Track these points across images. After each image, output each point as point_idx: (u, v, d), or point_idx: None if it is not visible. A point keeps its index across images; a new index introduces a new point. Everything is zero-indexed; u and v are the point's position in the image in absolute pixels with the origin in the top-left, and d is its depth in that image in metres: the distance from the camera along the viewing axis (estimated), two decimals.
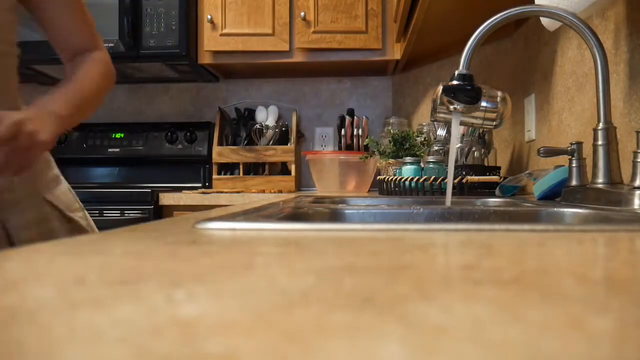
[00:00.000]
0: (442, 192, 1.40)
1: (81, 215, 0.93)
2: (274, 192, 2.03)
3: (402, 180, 1.47)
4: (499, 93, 0.96)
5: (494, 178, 1.42)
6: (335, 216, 0.77)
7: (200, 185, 2.36)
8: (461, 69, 0.90)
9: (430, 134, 1.86)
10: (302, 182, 2.41)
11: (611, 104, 0.85)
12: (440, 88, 0.90)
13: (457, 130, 0.97)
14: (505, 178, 1.37)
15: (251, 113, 2.35)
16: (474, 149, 1.60)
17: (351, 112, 2.27)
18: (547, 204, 0.84)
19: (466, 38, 0.91)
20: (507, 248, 0.33)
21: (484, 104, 0.94)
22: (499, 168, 1.57)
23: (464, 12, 1.56)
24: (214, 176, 2.21)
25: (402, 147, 1.74)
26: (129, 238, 0.39)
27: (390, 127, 2.17)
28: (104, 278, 0.24)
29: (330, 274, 0.24)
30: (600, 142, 0.84)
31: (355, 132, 2.24)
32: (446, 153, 1.65)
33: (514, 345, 0.14)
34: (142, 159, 2.34)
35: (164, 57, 2.07)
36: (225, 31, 2.11)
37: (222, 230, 0.43)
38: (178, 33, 2.04)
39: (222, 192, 1.94)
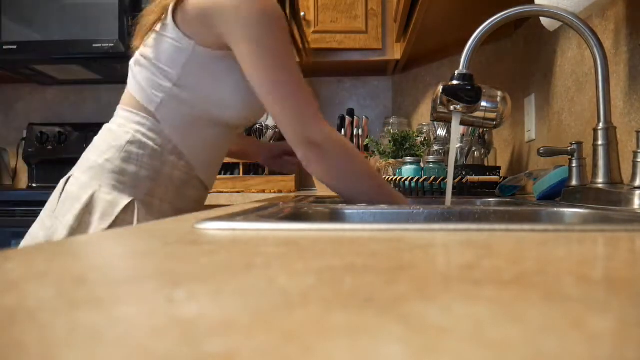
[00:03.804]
0: (442, 192, 1.40)
1: None
2: (274, 192, 2.03)
3: (402, 180, 1.47)
4: (499, 93, 0.96)
5: (494, 178, 1.42)
6: (335, 216, 0.77)
7: None
8: (461, 68, 0.90)
9: (430, 134, 1.86)
10: (302, 182, 2.41)
11: (611, 104, 0.85)
12: (440, 88, 0.90)
13: (457, 130, 0.97)
14: (505, 178, 1.37)
15: None
16: (474, 149, 1.60)
17: (351, 112, 2.27)
18: (547, 204, 0.84)
19: (466, 38, 0.91)
20: (507, 248, 0.33)
21: (484, 103, 0.94)
22: (499, 168, 1.57)
23: (464, 12, 1.56)
24: None
25: (402, 147, 1.74)
26: (129, 238, 0.39)
27: (390, 127, 2.17)
28: (104, 278, 0.24)
29: (330, 274, 0.24)
30: (600, 142, 0.84)
31: (355, 132, 2.24)
32: (446, 153, 1.65)
33: (514, 345, 0.14)
34: None
35: None
36: None
37: (222, 231, 0.43)
38: None
39: (222, 192, 1.94)
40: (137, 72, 0.95)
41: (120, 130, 0.93)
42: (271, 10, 0.87)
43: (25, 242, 0.94)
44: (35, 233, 0.92)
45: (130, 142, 0.91)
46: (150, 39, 0.94)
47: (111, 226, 0.87)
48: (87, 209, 0.88)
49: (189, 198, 0.99)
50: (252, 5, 0.85)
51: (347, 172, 0.92)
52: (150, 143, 0.92)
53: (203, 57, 0.90)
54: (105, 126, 0.98)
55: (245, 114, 0.97)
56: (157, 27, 0.93)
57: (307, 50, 1.12)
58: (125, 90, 0.98)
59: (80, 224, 0.87)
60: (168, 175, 0.94)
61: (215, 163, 1.04)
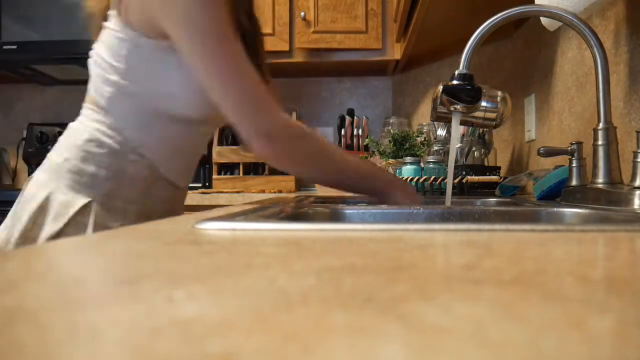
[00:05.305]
0: (442, 192, 1.40)
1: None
2: (274, 192, 2.03)
3: (402, 180, 1.47)
4: (499, 93, 0.96)
5: (494, 178, 1.42)
6: (335, 216, 0.77)
7: (200, 185, 2.36)
8: (461, 68, 0.90)
9: (430, 134, 1.86)
10: (302, 182, 2.41)
11: (611, 104, 0.85)
12: (441, 88, 0.90)
13: (457, 130, 0.97)
14: (505, 178, 1.37)
15: None
16: (474, 149, 1.60)
17: (351, 112, 2.27)
18: (547, 204, 0.84)
19: (466, 38, 0.91)
20: (507, 248, 0.33)
21: (484, 103, 0.94)
22: (499, 168, 1.57)
23: (464, 12, 1.56)
24: (214, 176, 2.21)
25: (402, 147, 1.74)
26: (129, 238, 0.39)
27: (390, 127, 2.17)
28: (104, 278, 0.24)
29: (330, 274, 0.24)
30: (600, 142, 0.84)
31: (355, 132, 2.24)
32: (446, 153, 1.65)
33: (514, 345, 0.14)
34: None
35: None
36: None
37: (222, 230, 0.43)
38: None
39: (222, 192, 1.94)
40: (91, 69, 0.91)
41: (81, 127, 0.90)
42: None
43: None
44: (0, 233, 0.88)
45: (88, 140, 0.87)
46: (102, 33, 0.90)
47: (65, 228, 0.83)
48: (42, 210, 0.84)
49: (159, 199, 0.94)
50: None
51: (309, 160, 0.88)
52: (109, 141, 0.88)
53: (147, 48, 0.85)
54: (69, 124, 0.94)
55: (197, 108, 0.90)
56: (106, 20, 0.89)
57: (261, 56, 1.04)
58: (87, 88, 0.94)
59: (34, 225, 0.84)
60: (131, 175, 0.89)
61: (183, 162, 0.98)
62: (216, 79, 0.80)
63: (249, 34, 0.99)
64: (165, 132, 0.91)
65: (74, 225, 0.83)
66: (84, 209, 0.84)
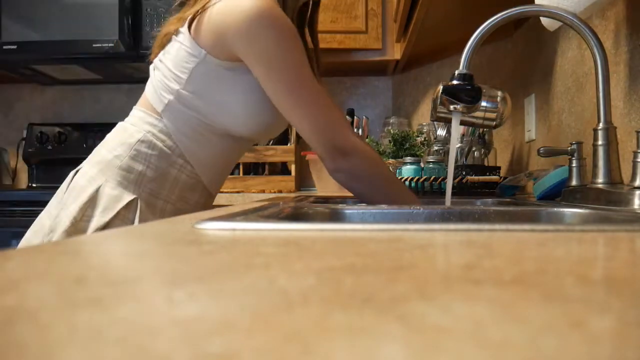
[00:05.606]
0: (442, 192, 1.40)
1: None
2: (274, 192, 2.03)
3: (402, 180, 1.47)
4: (499, 93, 0.96)
5: (494, 178, 1.42)
6: (335, 216, 0.77)
7: None
8: (461, 68, 0.90)
9: (430, 134, 1.86)
10: (302, 182, 2.41)
11: (611, 104, 0.85)
12: (441, 88, 0.90)
13: (457, 130, 0.97)
14: (505, 178, 1.37)
15: None
16: (474, 149, 1.60)
17: (351, 112, 2.27)
18: (547, 204, 0.84)
19: (466, 38, 0.91)
20: (507, 248, 0.33)
21: (484, 103, 0.94)
22: (499, 168, 1.57)
23: (464, 12, 1.56)
24: None
25: (402, 147, 1.74)
26: (129, 238, 0.39)
27: (390, 127, 2.17)
28: (104, 278, 0.24)
29: (330, 274, 0.24)
30: (600, 142, 0.84)
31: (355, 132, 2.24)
32: (446, 153, 1.65)
33: (514, 345, 0.14)
34: None
35: None
36: None
37: (222, 230, 0.43)
38: None
39: (222, 192, 1.94)
40: (153, 75, 0.98)
41: (133, 128, 0.95)
42: (282, 25, 0.87)
43: (31, 230, 0.95)
44: (42, 222, 0.93)
45: (141, 141, 0.93)
46: (169, 45, 0.96)
47: (112, 221, 0.88)
48: (91, 202, 0.89)
49: (195, 203, 1.00)
50: (265, 23, 0.86)
51: (372, 179, 0.94)
52: (160, 144, 0.93)
53: (212, 65, 0.91)
54: (119, 124, 1.00)
55: (253, 128, 0.97)
56: (175, 34, 0.95)
57: (318, 65, 1.11)
58: (143, 93, 1.00)
59: (83, 217, 0.88)
60: (174, 178, 0.95)
61: (221, 173, 1.05)
62: (300, 108, 0.89)
63: (311, 49, 1.08)
64: (215, 145, 0.98)
65: (121, 219, 0.89)
66: (130, 204, 0.90)
